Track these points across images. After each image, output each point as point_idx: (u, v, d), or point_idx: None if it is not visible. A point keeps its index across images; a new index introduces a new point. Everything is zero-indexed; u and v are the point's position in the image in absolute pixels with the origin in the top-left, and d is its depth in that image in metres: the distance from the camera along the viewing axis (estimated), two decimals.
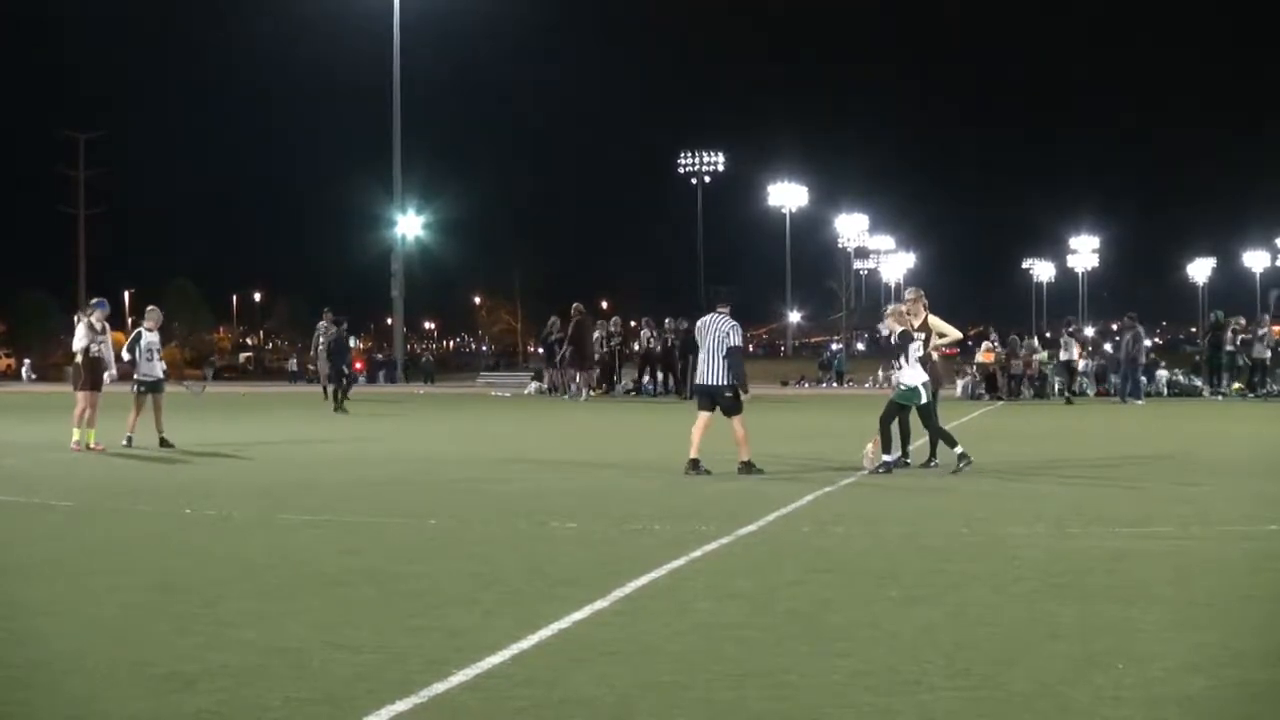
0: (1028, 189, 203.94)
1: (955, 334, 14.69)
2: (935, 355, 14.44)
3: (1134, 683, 5.17)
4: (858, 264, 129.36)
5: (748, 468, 12.99)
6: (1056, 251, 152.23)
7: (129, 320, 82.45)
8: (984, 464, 13.15)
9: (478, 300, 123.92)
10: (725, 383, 13.20)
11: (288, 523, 9.94)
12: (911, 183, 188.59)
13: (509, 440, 19.35)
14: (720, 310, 13.42)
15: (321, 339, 31.97)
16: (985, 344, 35.68)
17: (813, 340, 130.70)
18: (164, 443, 16.66)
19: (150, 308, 17.86)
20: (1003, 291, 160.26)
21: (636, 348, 35.90)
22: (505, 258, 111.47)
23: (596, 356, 34.76)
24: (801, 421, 23.11)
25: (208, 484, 12.51)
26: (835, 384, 48.64)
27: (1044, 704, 4.92)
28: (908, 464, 13.69)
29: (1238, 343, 32.44)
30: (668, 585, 7.23)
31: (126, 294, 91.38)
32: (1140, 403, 29.87)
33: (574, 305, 32.81)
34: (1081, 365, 34.56)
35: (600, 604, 6.63)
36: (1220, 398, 31.86)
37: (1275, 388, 32.22)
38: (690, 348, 32.49)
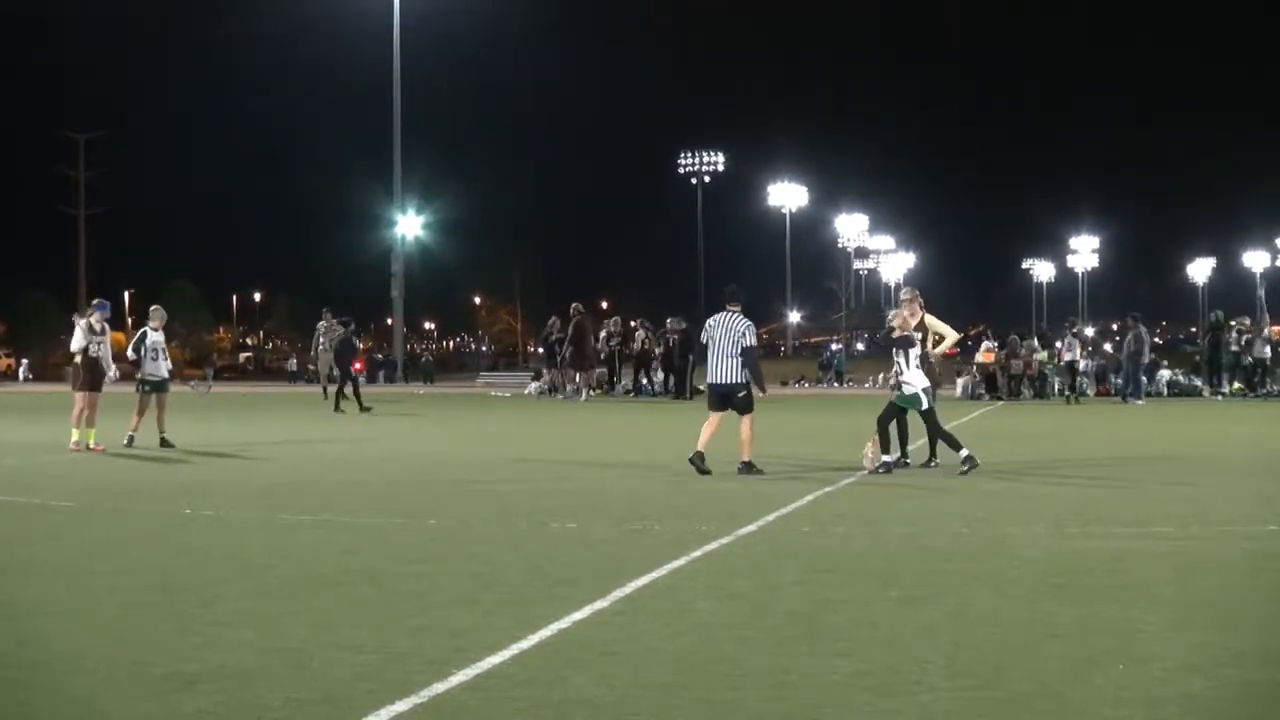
0: (1028, 189, 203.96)
1: (953, 335, 14.63)
2: (933, 357, 14.42)
3: (1134, 683, 5.17)
4: (858, 264, 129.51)
5: (748, 468, 12.98)
6: (1056, 251, 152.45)
7: (129, 320, 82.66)
8: (984, 464, 13.14)
9: (478, 300, 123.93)
10: (739, 381, 13.20)
11: (288, 523, 9.94)
12: (911, 183, 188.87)
13: (509, 440, 19.35)
14: (731, 308, 13.42)
15: (322, 339, 31.98)
16: (985, 344, 35.69)
17: (813, 340, 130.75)
18: (164, 443, 16.67)
19: (154, 307, 17.87)
20: (1003, 291, 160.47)
21: (636, 347, 35.90)
22: (505, 258, 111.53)
23: (602, 356, 34.81)
24: (801, 421, 23.11)
25: (208, 484, 12.51)
26: (835, 384, 48.66)
27: (1044, 704, 4.92)
28: (908, 464, 13.69)
29: (1243, 343, 32.43)
30: (668, 585, 7.23)
31: (126, 294, 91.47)
32: (1140, 403, 29.88)
33: (573, 305, 32.82)
34: (1082, 365, 34.55)
35: (600, 604, 6.63)
36: (1220, 398, 31.87)
37: (1275, 388, 32.22)
38: (684, 346, 32.69)
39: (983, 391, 33.56)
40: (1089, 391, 34.46)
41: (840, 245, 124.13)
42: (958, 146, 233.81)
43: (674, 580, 7.37)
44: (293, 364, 69.57)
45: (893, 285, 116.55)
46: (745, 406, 13.21)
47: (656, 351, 35.07)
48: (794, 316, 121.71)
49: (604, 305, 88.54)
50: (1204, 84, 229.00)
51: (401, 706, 4.84)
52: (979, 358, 35.61)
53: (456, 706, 4.90)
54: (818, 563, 7.92)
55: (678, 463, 13.53)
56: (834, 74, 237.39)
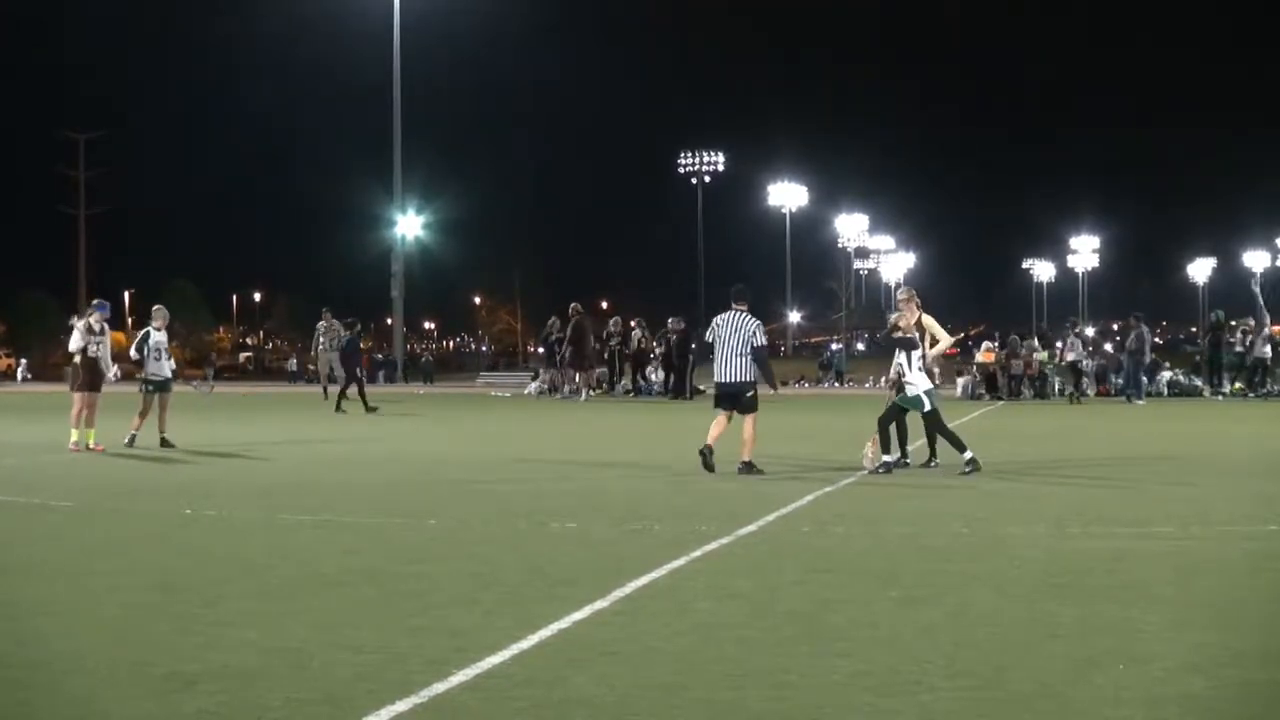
0: (1028, 189, 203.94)
1: (947, 339, 14.42)
2: (928, 359, 14.38)
3: (1134, 683, 5.18)
4: (858, 264, 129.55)
5: (748, 468, 12.98)
6: (1056, 251, 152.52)
7: (129, 320, 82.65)
8: (984, 464, 13.14)
9: (478, 300, 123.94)
10: (748, 380, 13.21)
11: (288, 523, 9.94)
12: (911, 183, 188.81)
13: (509, 440, 19.36)
14: (738, 307, 13.41)
15: (322, 338, 31.99)
16: (985, 344, 35.68)
17: (813, 340, 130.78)
18: (165, 443, 16.68)
19: (157, 307, 17.89)
20: (1003, 291, 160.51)
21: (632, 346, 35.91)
22: (505, 258, 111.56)
23: (605, 355, 34.83)
24: (801, 421, 23.11)
25: (208, 484, 12.51)
26: (835, 384, 48.66)
27: (1044, 704, 4.92)
28: (907, 464, 13.69)
29: (1247, 343, 32.43)
30: (668, 585, 7.23)
31: (126, 294, 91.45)
32: (1140, 403, 29.89)
33: (572, 305, 32.83)
34: (1085, 365, 34.54)
35: (600, 604, 6.63)
36: (1220, 398, 31.87)
37: (1275, 388, 32.22)
38: (683, 346, 32.69)
39: (983, 391, 33.56)
40: (1089, 392, 34.46)
41: (840, 245, 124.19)
42: (958, 146, 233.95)
43: (674, 580, 7.37)
44: (293, 364, 69.57)
45: (892, 285, 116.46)
46: (750, 406, 13.21)
47: (656, 350, 35.10)
48: (794, 316, 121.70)
49: (604, 305, 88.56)
50: (1204, 84, 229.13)
51: (401, 706, 4.84)
52: (979, 358, 35.60)
53: (456, 706, 4.90)
54: (818, 563, 7.92)
55: (678, 463, 13.54)
56: (834, 74, 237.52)
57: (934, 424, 13.49)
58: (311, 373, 46.57)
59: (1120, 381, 33.57)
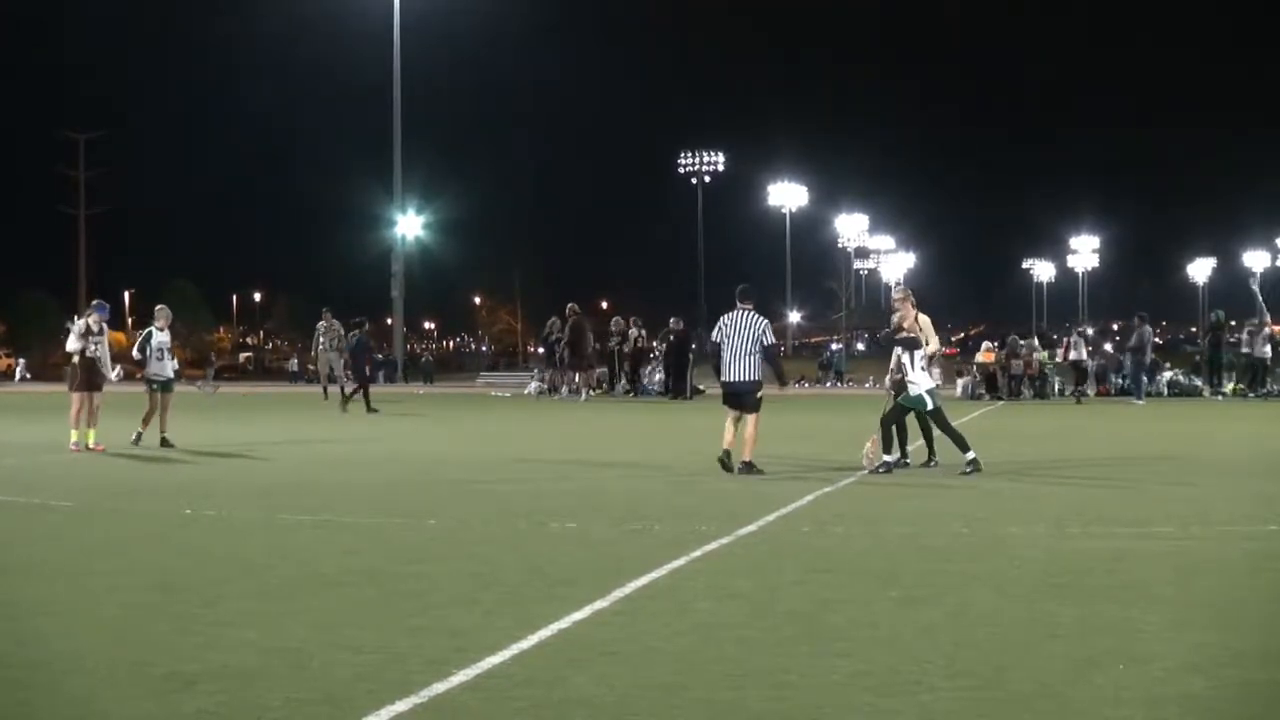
0: (1028, 189, 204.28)
1: (935, 345, 14.33)
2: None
3: (1134, 683, 5.17)
4: (858, 264, 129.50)
5: (748, 468, 12.98)
6: (1056, 251, 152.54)
7: (129, 320, 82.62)
8: (985, 464, 13.13)
9: (478, 300, 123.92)
10: (755, 379, 13.22)
11: (288, 523, 9.94)
12: (911, 183, 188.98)
13: (509, 440, 19.35)
14: (744, 306, 13.42)
15: (322, 339, 31.98)
16: (985, 344, 35.67)
17: (813, 340, 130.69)
18: (165, 442, 16.68)
19: (159, 307, 17.91)
20: (1003, 291, 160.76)
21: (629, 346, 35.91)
22: (505, 258, 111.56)
23: (607, 355, 34.83)
24: (801, 421, 23.10)
25: (208, 484, 12.51)
26: (835, 384, 48.66)
27: (1044, 704, 4.92)
28: (907, 464, 13.69)
29: (1253, 343, 32.39)
30: (668, 585, 7.23)
31: (126, 294, 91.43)
32: (1140, 402, 29.89)
33: (569, 306, 32.80)
34: (1089, 365, 34.53)
35: (600, 604, 6.63)
36: (1220, 398, 31.87)
37: (1275, 387, 32.21)
38: (683, 346, 32.68)
39: (983, 391, 33.54)
40: (1089, 392, 34.47)
41: (840, 245, 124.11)
42: (958, 146, 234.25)
43: (674, 580, 7.37)
44: (293, 364, 69.54)
45: (893, 285, 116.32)
46: (754, 406, 13.22)
47: (656, 350, 35.09)
48: (794, 316, 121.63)
49: (604, 305, 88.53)
50: (1204, 84, 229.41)
51: (401, 706, 4.84)
52: (979, 358, 35.58)
53: (456, 706, 4.90)
54: (818, 563, 7.92)
55: (678, 463, 13.54)
56: (834, 74, 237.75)
57: (938, 423, 13.48)
58: (312, 373, 46.53)
59: (1120, 381, 33.57)
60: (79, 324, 16.87)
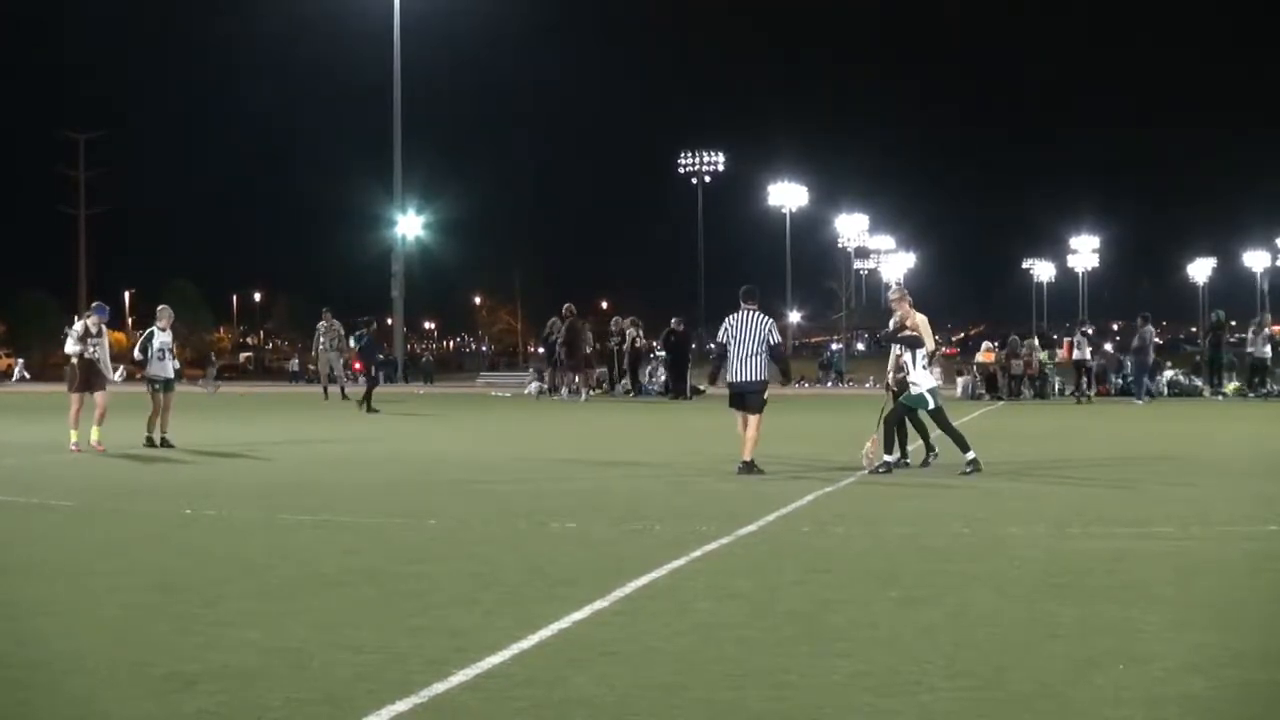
0: (1028, 189, 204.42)
1: (930, 344, 14.29)
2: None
3: (1134, 683, 5.17)
4: (858, 264, 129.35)
5: (749, 467, 12.98)
6: (1056, 251, 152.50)
7: (129, 320, 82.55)
8: (985, 464, 13.13)
9: (478, 300, 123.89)
10: (762, 379, 13.23)
11: (288, 523, 9.94)
12: (911, 183, 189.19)
13: (509, 440, 19.35)
14: (748, 307, 13.41)
15: (322, 338, 31.99)
16: (985, 344, 35.66)
17: (813, 340, 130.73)
18: (165, 443, 16.71)
19: (161, 307, 17.93)
20: (1003, 291, 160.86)
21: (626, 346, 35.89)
22: (505, 258, 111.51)
23: (607, 355, 34.81)
24: (801, 421, 23.10)
25: (208, 484, 12.51)
26: (835, 384, 48.64)
27: (1044, 704, 4.92)
28: (907, 464, 13.69)
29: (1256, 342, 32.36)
30: (668, 585, 7.23)
31: (126, 294, 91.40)
32: (1140, 403, 29.89)
33: (565, 306, 32.81)
34: (1092, 365, 34.50)
35: (600, 604, 6.63)
36: (1220, 398, 31.86)
37: (1275, 387, 32.20)
38: (683, 346, 32.68)
39: (983, 391, 33.54)
40: (1090, 392, 34.47)
41: (840, 245, 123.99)
42: (958, 146, 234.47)
43: (674, 580, 7.37)
44: (294, 364, 69.52)
45: (893, 285, 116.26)
46: (759, 407, 13.22)
47: (657, 350, 35.07)
48: (794, 316, 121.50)
49: (604, 305, 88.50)
50: (1204, 84, 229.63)
51: (401, 706, 4.84)
52: (979, 358, 35.57)
53: (456, 706, 4.90)
54: (818, 563, 7.92)
55: (678, 463, 13.53)
56: (834, 74, 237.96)
57: (938, 422, 13.48)
58: (312, 373, 46.53)
59: (1120, 381, 33.56)
60: (78, 325, 16.90)
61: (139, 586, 7.21)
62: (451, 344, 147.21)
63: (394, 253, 56.09)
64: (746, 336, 13.23)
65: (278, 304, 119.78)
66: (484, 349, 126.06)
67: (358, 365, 31.64)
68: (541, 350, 39.80)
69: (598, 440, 19.54)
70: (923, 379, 13.35)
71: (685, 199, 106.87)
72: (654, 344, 36.38)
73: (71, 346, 16.66)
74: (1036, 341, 34.96)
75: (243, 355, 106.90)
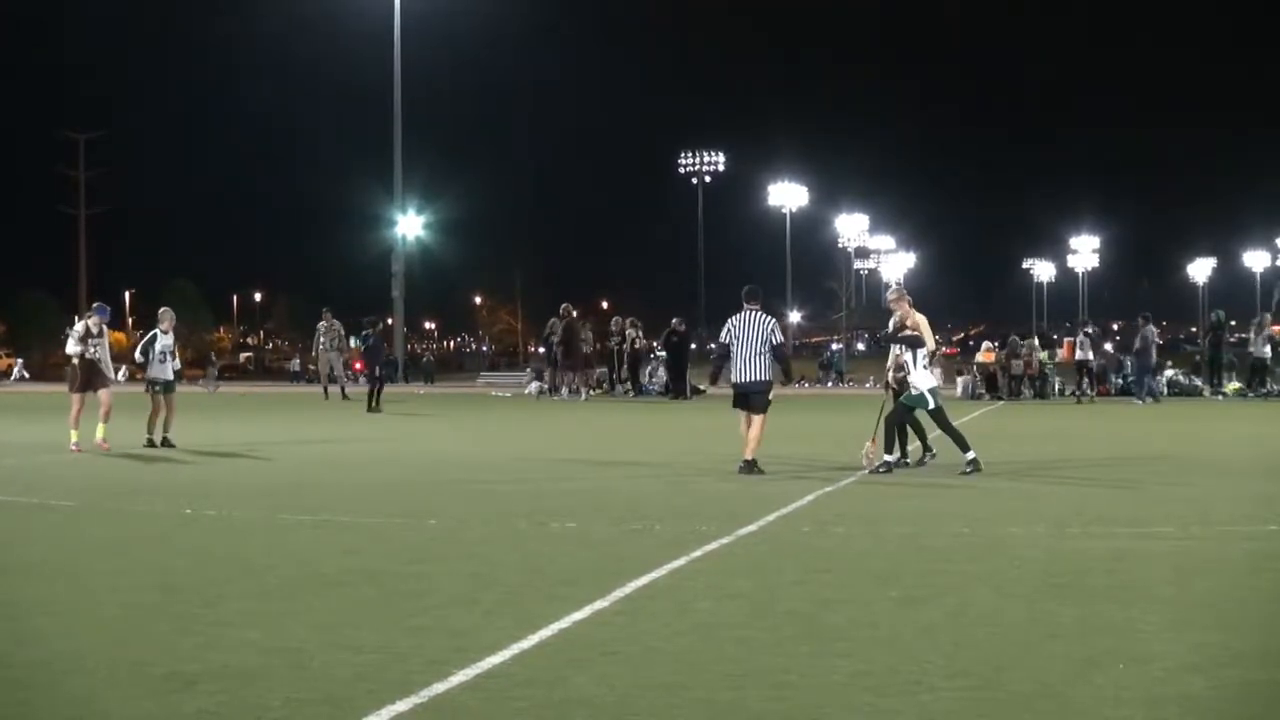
0: (1028, 189, 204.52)
1: (930, 344, 14.28)
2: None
3: (1134, 683, 5.17)
4: (858, 264, 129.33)
5: (749, 467, 12.97)
6: (1056, 251, 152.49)
7: (129, 320, 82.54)
8: (985, 464, 13.13)
9: (478, 300, 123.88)
10: (766, 379, 13.24)
11: (288, 523, 9.94)
12: (911, 183, 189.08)
13: (509, 440, 19.35)
14: (751, 307, 13.42)
15: (322, 338, 32.01)
16: (985, 344, 35.66)
17: (813, 340, 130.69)
18: (166, 443, 16.73)
19: (163, 309, 17.94)
20: (1003, 291, 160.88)
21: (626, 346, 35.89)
22: (505, 258, 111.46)
23: (607, 355, 34.83)
24: (801, 421, 23.09)
25: (208, 484, 12.51)
26: (836, 384, 48.64)
27: (1044, 704, 4.92)
28: (907, 464, 13.69)
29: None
30: (668, 585, 7.23)
31: (127, 294, 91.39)
32: (1140, 403, 29.89)
33: (563, 306, 32.78)
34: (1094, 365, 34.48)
35: (600, 604, 6.63)
36: (1220, 398, 31.86)
37: (1275, 387, 32.20)
38: (682, 346, 32.66)
39: (983, 391, 33.54)
40: (1090, 392, 34.47)
41: (840, 245, 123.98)
42: (958, 146, 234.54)
43: (674, 580, 7.37)
44: (295, 364, 69.50)
45: (893, 285, 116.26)
46: (763, 407, 13.23)
47: (657, 350, 35.07)
48: (794, 316, 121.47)
49: (604, 305, 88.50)
50: (1204, 84, 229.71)
51: (401, 706, 4.84)
52: (979, 358, 35.56)
53: (456, 706, 4.90)
54: (818, 563, 7.92)
55: (678, 463, 13.53)
56: (834, 74, 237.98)
57: (938, 422, 13.49)
58: (312, 373, 46.51)
59: (1121, 381, 33.56)
60: (79, 326, 16.93)
61: (139, 586, 7.21)
62: (452, 344, 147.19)
63: (394, 253, 56.07)
64: (750, 337, 13.24)
65: (278, 304, 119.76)
66: (484, 349, 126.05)
67: (358, 365, 31.67)
68: (541, 350, 39.79)
69: (598, 440, 19.54)
70: (923, 379, 13.35)
71: (685, 199, 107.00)
72: (654, 344, 36.38)
73: (72, 347, 16.69)
74: (1036, 341, 34.95)
75: (243, 355, 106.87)
